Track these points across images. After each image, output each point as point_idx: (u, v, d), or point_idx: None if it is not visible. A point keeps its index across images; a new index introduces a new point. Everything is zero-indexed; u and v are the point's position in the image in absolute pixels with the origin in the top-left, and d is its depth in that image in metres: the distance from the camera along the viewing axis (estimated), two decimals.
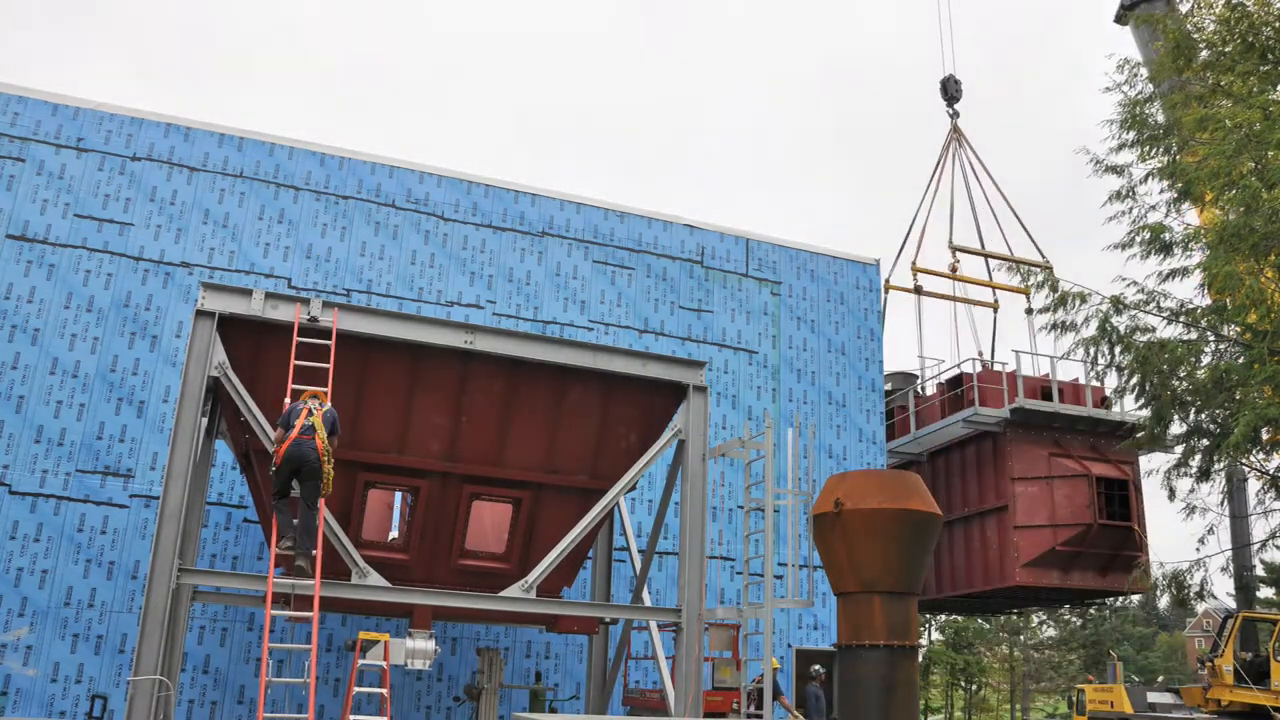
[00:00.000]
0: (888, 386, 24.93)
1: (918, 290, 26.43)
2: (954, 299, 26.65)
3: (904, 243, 27.44)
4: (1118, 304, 14.99)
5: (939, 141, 32.89)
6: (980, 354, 25.89)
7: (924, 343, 27.53)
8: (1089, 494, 21.24)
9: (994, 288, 27.30)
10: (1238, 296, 13.22)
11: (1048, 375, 22.93)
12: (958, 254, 26.23)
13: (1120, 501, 21.65)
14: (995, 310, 27.63)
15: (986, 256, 26.92)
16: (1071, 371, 29.00)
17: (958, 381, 23.92)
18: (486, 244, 18.21)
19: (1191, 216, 17.19)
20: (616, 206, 19.50)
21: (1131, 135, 16.50)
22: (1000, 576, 21.98)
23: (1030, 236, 27.29)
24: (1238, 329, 14.33)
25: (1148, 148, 16.33)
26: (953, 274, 26.39)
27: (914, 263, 26.49)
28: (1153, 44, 17.50)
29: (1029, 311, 25.80)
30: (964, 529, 23.52)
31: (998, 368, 24.44)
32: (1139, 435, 16.80)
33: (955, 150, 28.37)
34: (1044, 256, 26.55)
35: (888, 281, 26.01)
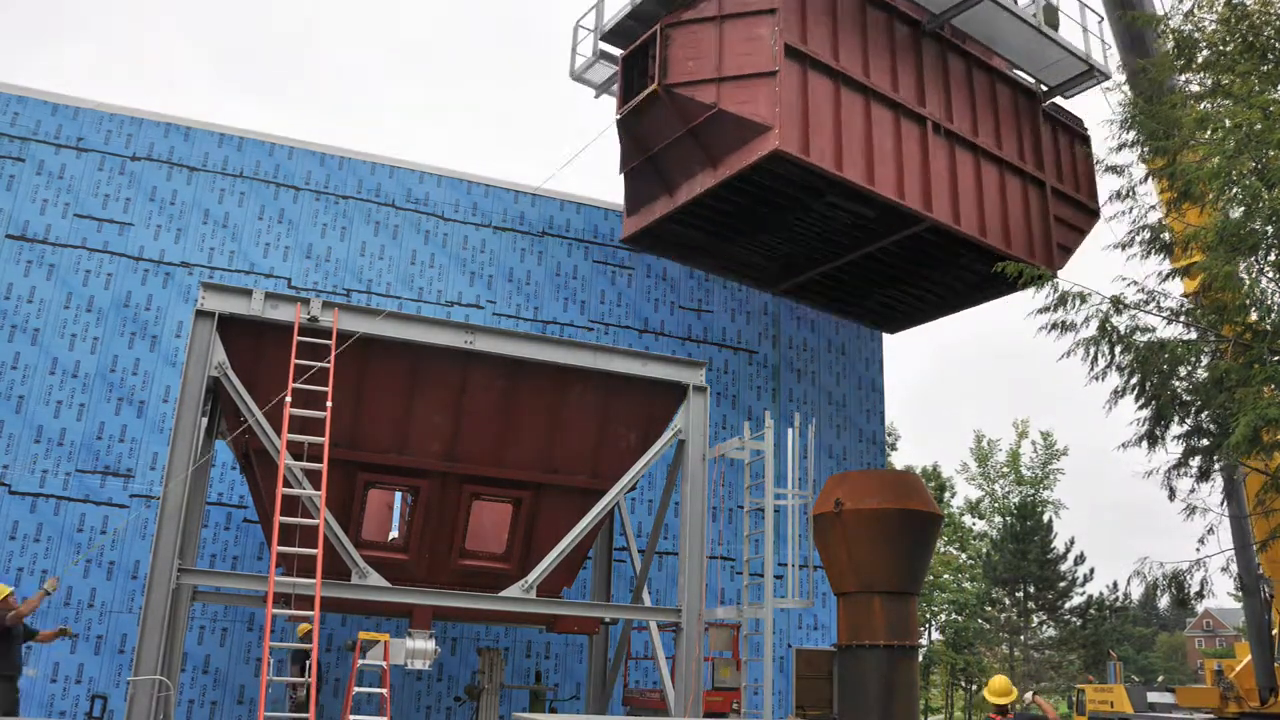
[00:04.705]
0: None
1: None
2: None
3: None
4: (1118, 304, 14.99)
5: None
6: None
7: None
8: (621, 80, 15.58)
9: None
10: (1237, 296, 13.20)
11: None
12: None
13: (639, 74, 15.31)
14: None
15: None
16: None
17: None
18: (486, 244, 18.20)
19: (1192, 216, 17.19)
20: (617, 206, 19.48)
21: (1132, 135, 16.50)
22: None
23: None
24: (1235, 329, 14.33)
25: (1148, 148, 16.32)
26: None
27: None
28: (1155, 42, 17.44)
29: None
30: None
31: None
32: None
33: None
34: None
35: None
